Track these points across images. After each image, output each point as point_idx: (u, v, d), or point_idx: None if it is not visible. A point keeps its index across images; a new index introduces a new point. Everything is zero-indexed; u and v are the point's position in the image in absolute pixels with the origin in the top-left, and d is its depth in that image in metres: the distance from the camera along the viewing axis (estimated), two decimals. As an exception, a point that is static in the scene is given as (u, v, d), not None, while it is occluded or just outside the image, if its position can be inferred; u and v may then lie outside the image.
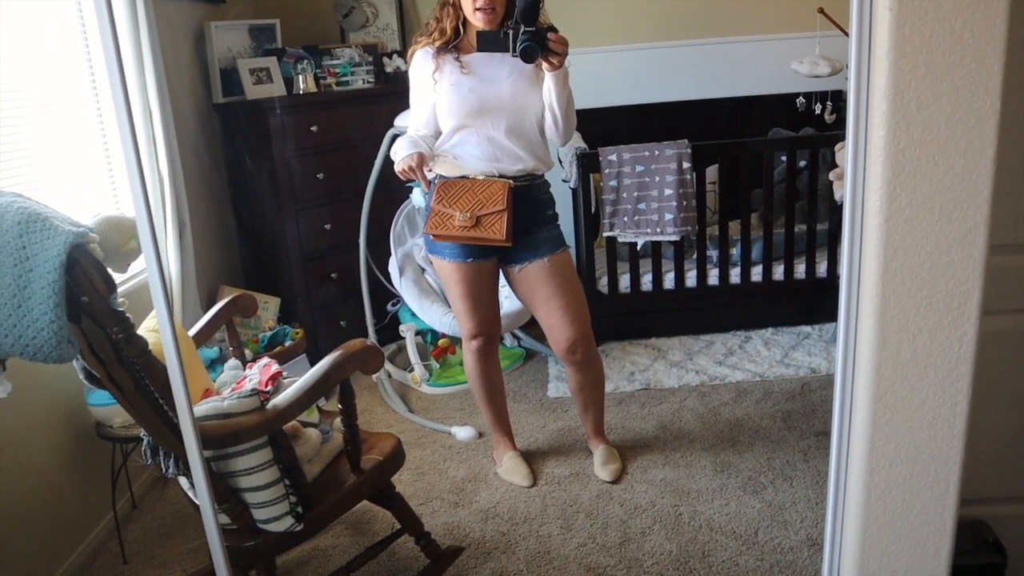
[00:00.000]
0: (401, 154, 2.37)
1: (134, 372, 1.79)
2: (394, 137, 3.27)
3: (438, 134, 2.45)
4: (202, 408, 1.89)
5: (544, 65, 2.23)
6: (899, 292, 1.31)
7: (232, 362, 2.36)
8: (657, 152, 3.40)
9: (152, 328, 2.13)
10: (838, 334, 1.37)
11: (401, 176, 2.39)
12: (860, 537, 1.43)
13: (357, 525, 2.57)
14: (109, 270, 1.77)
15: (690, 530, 2.42)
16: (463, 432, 2.99)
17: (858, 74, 1.26)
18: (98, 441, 2.44)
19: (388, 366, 3.51)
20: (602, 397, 2.72)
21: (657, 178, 3.41)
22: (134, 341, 1.75)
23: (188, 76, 3.37)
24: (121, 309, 1.75)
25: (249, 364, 2.30)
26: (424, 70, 2.39)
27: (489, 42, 2.24)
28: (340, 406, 2.06)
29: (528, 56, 2.17)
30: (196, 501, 1.94)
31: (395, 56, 3.76)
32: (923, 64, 1.22)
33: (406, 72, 3.75)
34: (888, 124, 1.24)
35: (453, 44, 2.39)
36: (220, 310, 2.41)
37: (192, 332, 2.35)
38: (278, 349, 3.24)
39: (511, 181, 2.36)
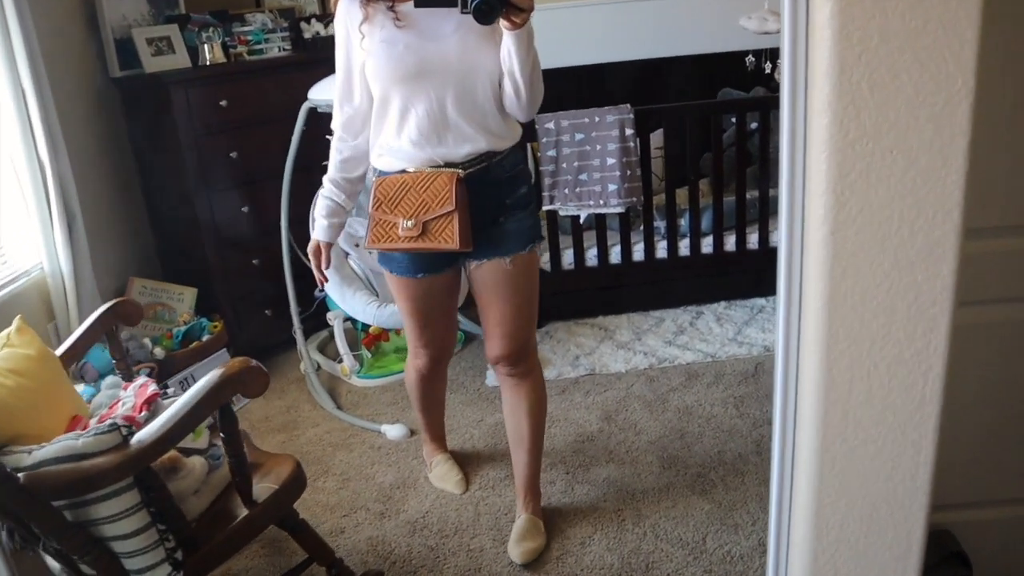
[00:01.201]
0: (314, 227, 2.06)
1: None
2: (310, 111, 2.92)
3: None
4: (53, 449, 1.57)
5: (503, 23, 1.71)
6: (850, 320, 1.01)
7: (110, 379, 2.04)
8: (598, 118, 3.06)
9: (1, 347, 1.80)
10: (775, 372, 1.08)
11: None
12: (807, 605, 1.16)
13: (274, 543, 2.28)
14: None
15: (633, 538, 2.16)
16: (394, 431, 2.70)
17: (792, 45, 0.94)
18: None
19: (317, 357, 3.19)
20: (538, 436, 2.15)
21: (598, 146, 3.08)
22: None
23: (79, 48, 2.96)
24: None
25: (125, 384, 1.98)
26: (351, 20, 1.86)
27: None
28: (222, 435, 1.74)
29: (483, 15, 1.65)
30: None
31: (314, 20, 3.36)
32: (876, 31, 0.91)
33: (327, 38, 3.42)
34: (833, 110, 0.93)
35: None
36: (96, 321, 2.07)
37: (62, 348, 2.01)
38: (194, 345, 2.93)
39: (459, 170, 1.85)
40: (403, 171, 1.90)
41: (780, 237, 1.01)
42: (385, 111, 1.88)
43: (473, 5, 1.64)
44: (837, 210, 0.97)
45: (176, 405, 1.65)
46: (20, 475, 1.50)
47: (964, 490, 1.77)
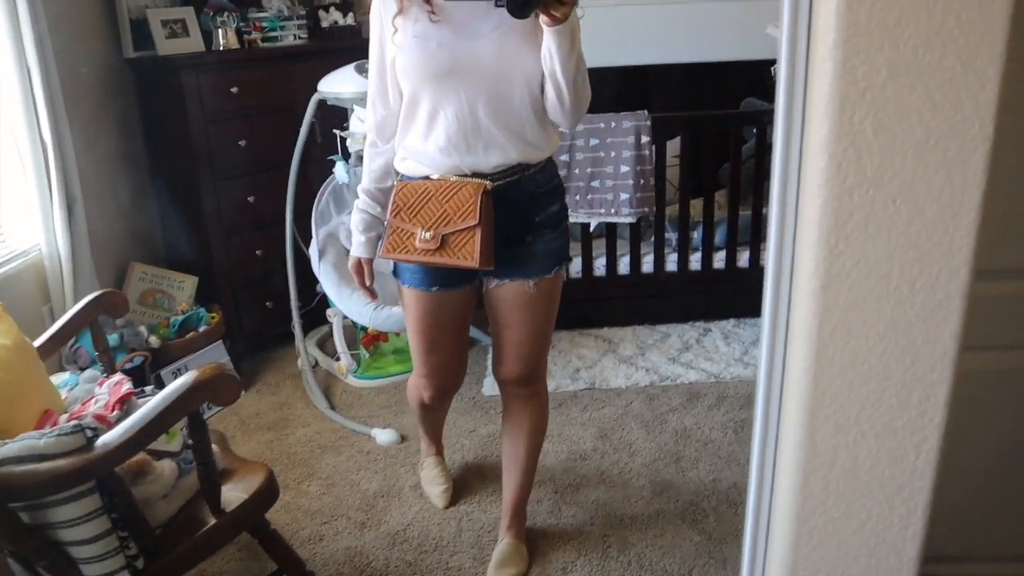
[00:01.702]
0: (352, 239, 1.89)
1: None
2: (320, 104, 2.85)
3: None
4: (14, 447, 1.50)
5: (543, 19, 1.54)
6: (838, 384, 0.90)
7: (89, 373, 1.97)
8: (614, 124, 2.95)
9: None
10: (753, 437, 0.97)
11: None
12: None
13: (250, 547, 2.20)
14: None
15: (617, 567, 2.06)
16: (384, 435, 2.62)
17: (789, 79, 0.83)
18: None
19: (315, 352, 3.12)
20: (533, 459, 2.05)
21: (613, 153, 2.97)
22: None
23: (94, 27, 2.90)
24: None
25: (101, 380, 1.91)
26: (386, 12, 1.70)
27: None
28: (190, 442, 1.67)
29: (518, 8, 1.50)
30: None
31: (333, 9, 3.28)
32: (885, 65, 0.79)
33: (345, 28, 3.34)
34: (831, 152, 0.82)
35: None
36: (79, 311, 2.01)
37: (42, 339, 1.95)
38: (191, 335, 2.87)
39: (488, 182, 1.70)
40: (427, 177, 1.75)
41: (765, 289, 0.91)
42: (413, 112, 1.73)
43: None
44: (830, 263, 0.86)
45: (144, 409, 1.57)
46: (-28, 473, 1.44)
47: (964, 543, 1.66)
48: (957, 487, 1.56)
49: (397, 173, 1.82)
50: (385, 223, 1.83)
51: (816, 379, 0.90)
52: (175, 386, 1.59)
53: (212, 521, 1.72)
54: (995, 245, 1.10)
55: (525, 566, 2.05)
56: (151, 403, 1.58)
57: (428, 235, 1.71)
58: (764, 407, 0.95)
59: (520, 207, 1.76)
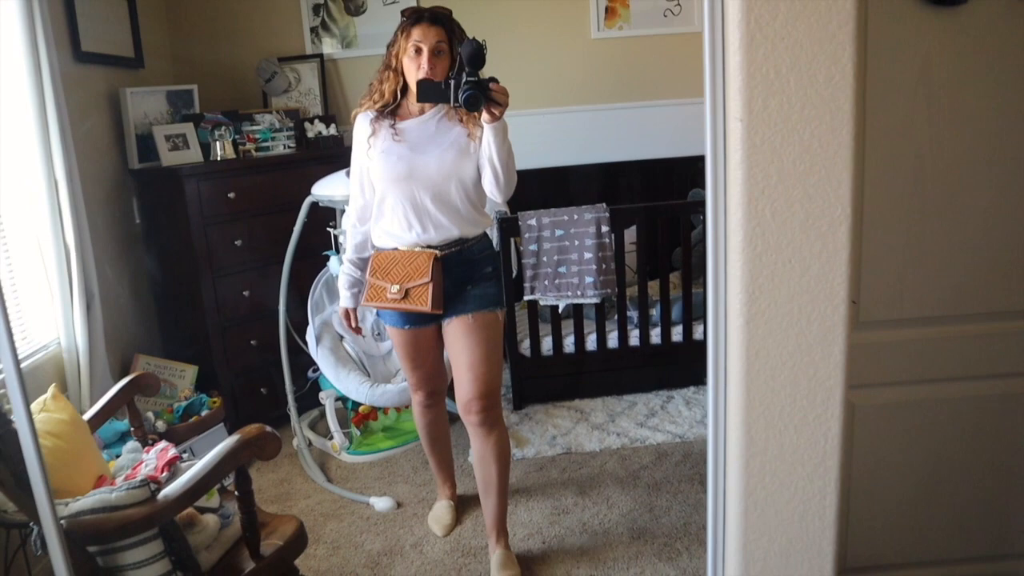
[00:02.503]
0: (340, 293, 2.61)
1: (13, 467, 1.72)
2: (312, 205, 3.28)
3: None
4: (89, 501, 1.83)
5: (484, 116, 2.16)
6: (763, 391, 1.33)
7: (131, 444, 2.30)
8: (576, 216, 3.44)
9: (38, 411, 2.06)
10: (708, 433, 1.39)
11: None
12: (739, 630, 1.43)
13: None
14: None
15: (603, 602, 2.40)
16: (381, 503, 2.95)
17: (714, 182, 1.29)
18: (-7, 529, 2.34)
19: (308, 434, 3.45)
20: (505, 481, 2.54)
21: (576, 241, 3.44)
22: (10, 437, 1.68)
23: (103, 141, 3.32)
24: (-3, 409, 1.69)
25: (147, 448, 2.24)
26: (362, 134, 2.41)
27: (429, 92, 2.18)
28: (236, 493, 2.01)
29: (471, 103, 2.10)
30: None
31: (317, 121, 3.76)
32: (775, 172, 1.26)
33: (328, 137, 3.83)
34: (744, 230, 1.27)
35: (390, 109, 2.39)
36: (119, 391, 2.35)
37: (89, 415, 2.28)
38: (194, 419, 3.17)
39: (437, 251, 2.36)
40: (395, 248, 2.41)
41: (708, 327, 1.34)
42: (382, 203, 2.40)
43: (463, 98, 2.09)
44: (750, 306, 1.30)
45: (199, 465, 1.92)
46: (62, 522, 1.75)
47: (892, 551, 2.05)
48: (880, 505, 1.98)
49: (374, 246, 2.50)
50: (364, 282, 2.49)
51: (748, 388, 1.33)
52: (225, 444, 1.94)
53: (250, 566, 2.04)
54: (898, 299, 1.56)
55: (519, 570, 2.55)
56: (205, 459, 1.92)
57: (396, 288, 2.38)
58: (713, 413, 1.37)
59: (463, 268, 2.42)
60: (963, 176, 1.74)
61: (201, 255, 3.33)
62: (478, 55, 2.09)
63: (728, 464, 1.37)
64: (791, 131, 1.24)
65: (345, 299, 2.62)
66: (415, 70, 2.26)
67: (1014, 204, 1.77)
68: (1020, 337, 1.87)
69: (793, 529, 1.38)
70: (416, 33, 2.26)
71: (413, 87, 2.28)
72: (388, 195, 2.37)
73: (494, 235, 3.46)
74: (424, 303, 2.34)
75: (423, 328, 2.51)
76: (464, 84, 2.09)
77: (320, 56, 3.96)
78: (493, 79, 2.14)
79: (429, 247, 2.37)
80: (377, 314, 2.69)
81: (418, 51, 2.25)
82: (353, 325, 2.64)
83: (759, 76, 1.21)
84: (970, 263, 1.80)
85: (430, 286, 2.33)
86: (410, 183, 2.32)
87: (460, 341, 2.43)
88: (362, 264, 2.56)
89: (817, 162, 1.26)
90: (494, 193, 2.34)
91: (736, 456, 1.35)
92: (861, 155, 1.69)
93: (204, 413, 3.21)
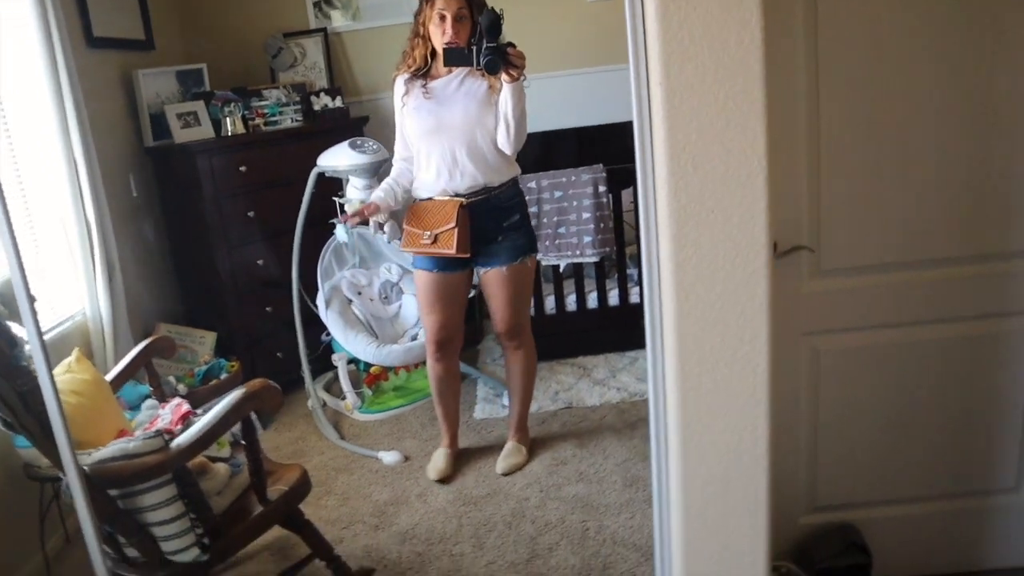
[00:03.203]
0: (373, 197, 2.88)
1: (41, 420, 1.95)
2: (319, 176, 3.46)
3: None
4: (109, 450, 2.05)
5: (504, 76, 2.49)
6: (695, 330, 1.48)
7: (149, 402, 2.53)
8: (574, 177, 3.58)
9: (63, 372, 2.29)
10: (648, 370, 1.55)
11: (351, 222, 2.89)
12: (684, 551, 1.60)
13: (282, 551, 2.73)
14: (15, 325, 1.92)
15: (594, 544, 2.59)
16: (389, 457, 3.16)
17: (641, 142, 1.43)
18: (28, 482, 2.59)
19: (323, 395, 3.67)
20: (529, 391, 3.06)
21: (575, 202, 3.59)
22: (37, 393, 1.90)
23: (119, 121, 3.54)
24: (24, 364, 1.91)
25: (162, 404, 2.46)
26: (399, 95, 2.76)
27: (455, 58, 2.53)
28: (243, 442, 2.22)
29: (492, 68, 2.42)
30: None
31: (323, 94, 3.93)
32: (695, 131, 1.40)
33: (334, 109, 4.00)
34: (669, 184, 1.42)
35: (423, 72, 2.73)
36: (138, 354, 2.57)
37: (111, 376, 2.51)
38: (213, 383, 3.41)
39: (463, 199, 2.69)
40: (429, 198, 2.76)
41: (642, 275, 1.49)
42: (417, 155, 2.77)
43: (485, 62, 2.42)
44: (678, 252, 1.45)
45: (207, 417, 2.13)
46: (85, 468, 1.98)
47: (865, 490, 2.20)
48: (855, 447, 2.13)
49: (414, 198, 2.82)
50: (396, 198, 2.81)
51: (681, 329, 1.48)
52: (231, 398, 2.15)
53: (259, 509, 2.26)
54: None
55: (524, 460, 3.05)
56: (212, 412, 2.14)
57: (428, 234, 2.70)
58: (652, 354, 1.53)
59: (491, 216, 2.74)
60: (914, 126, 1.86)
61: (215, 227, 3.55)
62: (495, 24, 2.40)
63: (667, 399, 1.53)
64: (707, 92, 1.38)
65: (375, 196, 2.82)
66: (440, 35, 2.60)
67: (966, 152, 1.88)
68: (975, 281, 1.99)
69: (729, 459, 1.54)
70: (440, 2, 2.58)
71: (440, 51, 2.62)
72: (422, 148, 2.72)
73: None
74: (450, 246, 2.66)
75: (450, 274, 2.81)
76: (485, 49, 2.40)
77: (324, 30, 4.12)
78: (511, 44, 2.46)
79: (457, 195, 2.70)
80: (412, 260, 2.95)
81: (442, 18, 2.58)
82: (371, 212, 2.79)
83: (675, 43, 1.35)
84: (925, 210, 1.92)
85: (456, 231, 2.65)
86: (439, 134, 2.66)
87: (495, 289, 2.83)
88: (396, 187, 2.82)
89: (733, 119, 1.40)
90: (504, 144, 2.67)
91: (674, 391, 1.51)
92: (816, 109, 1.83)
93: (223, 377, 3.44)
